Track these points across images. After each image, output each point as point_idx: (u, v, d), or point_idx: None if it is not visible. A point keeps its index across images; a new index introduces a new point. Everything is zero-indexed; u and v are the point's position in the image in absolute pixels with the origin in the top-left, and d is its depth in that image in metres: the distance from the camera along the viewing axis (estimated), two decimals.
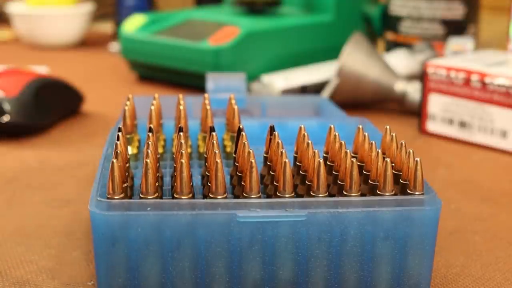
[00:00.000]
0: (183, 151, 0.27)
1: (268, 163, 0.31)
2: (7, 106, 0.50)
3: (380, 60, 0.58)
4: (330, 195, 0.28)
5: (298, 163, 0.31)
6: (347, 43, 0.58)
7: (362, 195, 0.28)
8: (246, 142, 0.29)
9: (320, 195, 0.28)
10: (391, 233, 0.27)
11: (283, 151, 0.28)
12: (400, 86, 0.57)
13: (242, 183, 0.28)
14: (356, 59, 0.57)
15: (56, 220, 0.37)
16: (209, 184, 0.28)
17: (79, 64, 0.79)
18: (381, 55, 0.60)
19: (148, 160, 0.27)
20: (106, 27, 1.00)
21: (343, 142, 0.30)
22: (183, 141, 0.29)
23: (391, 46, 0.71)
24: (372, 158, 0.29)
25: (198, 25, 0.67)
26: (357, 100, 0.58)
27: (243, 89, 0.48)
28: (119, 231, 0.26)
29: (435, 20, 0.67)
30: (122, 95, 0.59)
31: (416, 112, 0.55)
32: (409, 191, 0.28)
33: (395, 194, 0.28)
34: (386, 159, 0.28)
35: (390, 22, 0.71)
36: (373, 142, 0.30)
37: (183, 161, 0.27)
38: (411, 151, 0.28)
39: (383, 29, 0.73)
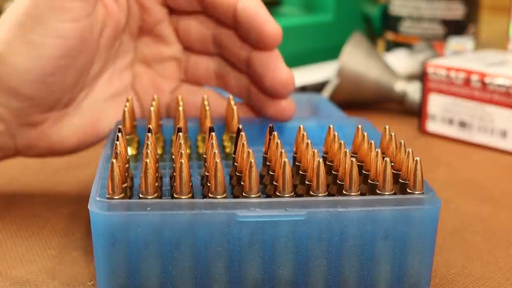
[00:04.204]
0: (183, 151, 0.27)
1: (268, 163, 0.31)
2: None
3: (380, 60, 0.58)
4: (330, 195, 0.28)
5: (297, 163, 0.31)
6: (347, 43, 0.58)
7: (362, 194, 0.28)
8: (245, 142, 0.29)
9: (320, 195, 0.28)
10: (390, 232, 0.27)
11: (283, 151, 0.28)
12: (400, 86, 0.57)
13: (242, 183, 0.28)
14: (356, 59, 0.57)
15: (56, 220, 0.37)
16: (209, 184, 0.28)
17: None
18: (381, 55, 0.60)
19: (147, 160, 0.27)
20: None
21: (342, 142, 0.30)
22: (182, 142, 0.29)
23: (391, 46, 0.71)
24: (372, 157, 0.29)
25: None
26: (357, 100, 0.58)
27: None
28: (119, 231, 0.26)
29: (435, 20, 0.67)
30: None
31: (416, 112, 0.55)
32: (408, 191, 0.28)
33: (394, 194, 0.28)
34: (385, 158, 0.28)
35: (390, 22, 0.71)
36: (373, 141, 0.30)
37: (182, 161, 0.27)
38: (410, 150, 0.28)
39: (383, 29, 0.73)
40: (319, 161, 0.27)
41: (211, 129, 0.31)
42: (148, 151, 0.28)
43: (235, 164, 0.30)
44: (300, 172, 0.30)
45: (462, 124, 0.51)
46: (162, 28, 0.38)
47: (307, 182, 0.29)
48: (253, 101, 0.38)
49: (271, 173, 0.30)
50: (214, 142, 0.29)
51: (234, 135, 0.35)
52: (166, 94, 0.38)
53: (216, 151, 0.28)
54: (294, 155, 0.32)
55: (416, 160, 0.28)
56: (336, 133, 0.31)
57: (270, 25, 0.35)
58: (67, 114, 0.36)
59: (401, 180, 0.29)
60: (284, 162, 0.27)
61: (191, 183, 0.28)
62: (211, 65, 0.38)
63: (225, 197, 0.27)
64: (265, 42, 0.35)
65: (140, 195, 0.27)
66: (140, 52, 0.38)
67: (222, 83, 0.39)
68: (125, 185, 0.28)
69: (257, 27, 0.35)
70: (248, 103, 0.38)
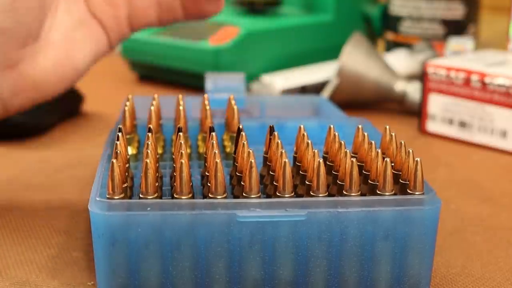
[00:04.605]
0: (183, 151, 0.27)
1: (268, 163, 0.31)
2: None
3: (380, 60, 0.58)
4: (330, 195, 0.28)
5: (297, 163, 0.31)
6: (347, 43, 0.58)
7: (362, 195, 0.28)
8: (245, 142, 0.29)
9: (320, 195, 0.28)
10: (391, 232, 0.27)
11: (283, 151, 0.28)
12: (400, 86, 0.57)
13: (242, 183, 0.28)
14: (356, 59, 0.57)
15: (56, 220, 0.37)
16: (209, 184, 0.28)
17: None
18: (381, 55, 0.60)
19: (147, 160, 0.27)
20: None
21: (342, 142, 0.30)
22: (182, 141, 0.29)
23: (391, 46, 0.71)
24: (372, 158, 0.29)
25: (198, 25, 0.67)
26: (357, 100, 0.58)
27: (242, 89, 0.48)
28: (119, 231, 0.26)
29: (435, 20, 0.67)
30: (122, 95, 0.58)
31: (416, 112, 0.55)
32: (409, 191, 0.28)
33: (395, 194, 0.28)
34: (385, 158, 0.28)
35: (390, 22, 0.71)
36: (373, 141, 0.30)
37: (183, 161, 0.27)
38: (410, 150, 0.28)
39: (383, 29, 0.73)
40: (319, 161, 0.27)
41: (212, 129, 0.31)
42: (149, 151, 0.28)
43: (236, 164, 0.30)
44: (301, 172, 0.30)
45: (462, 124, 0.51)
46: None
47: (307, 182, 0.29)
48: None
49: (271, 173, 0.30)
50: (214, 142, 0.29)
51: (235, 134, 0.35)
52: (121, 6, 0.38)
53: (216, 151, 0.28)
54: (295, 155, 0.32)
55: (417, 161, 0.28)
56: (336, 133, 0.31)
57: None
58: (40, 48, 0.36)
59: (401, 181, 0.29)
60: (285, 162, 0.27)
61: (191, 183, 0.28)
62: None
63: (225, 197, 0.27)
64: None
65: (140, 195, 0.27)
66: None
67: None
68: (125, 185, 0.28)
69: None
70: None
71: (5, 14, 0.34)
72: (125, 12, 0.39)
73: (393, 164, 0.29)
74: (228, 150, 0.35)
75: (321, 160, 0.28)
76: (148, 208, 0.26)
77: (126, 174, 0.29)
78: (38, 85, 0.37)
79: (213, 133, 0.30)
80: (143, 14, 0.39)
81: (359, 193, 0.28)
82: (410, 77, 0.61)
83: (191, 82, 0.65)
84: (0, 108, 0.36)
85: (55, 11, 0.37)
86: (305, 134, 0.31)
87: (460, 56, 0.57)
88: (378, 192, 0.28)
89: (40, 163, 0.45)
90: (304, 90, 0.58)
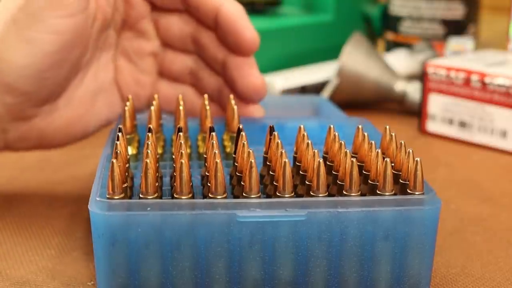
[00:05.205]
0: (183, 151, 0.27)
1: (268, 163, 0.31)
2: None
3: (380, 60, 0.58)
4: (330, 195, 0.28)
5: (297, 163, 0.31)
6: (347, 43, 0.58)
7: (362, 195, 0.28)
8: (245, 142, 0.29)
9: (320, 195, 0.28)
10: (391, 232, 0.27)
11: (283, 151, 0.28)
12: (400, 86, 0.57)
13: (242, 183, 0.28)
14: (356, 59, 0.57)
15: (56, 220, 0.37)
16: (209, 184, 0.28)
17: None
18: (381, 55, 0.60)
19: (147, 160, 0.27)
20: None
21: (342, 142, 0.30)
22: (182, 141, 0.29)
23: (391, 46, 0.71)
24: (372, 158, 0.29)
25: None
26: (357, 100, 0.58)
27: None
28: (119, 231, 0.26)
29: (435, 20, 0.67)
30: None
31: (416, 112, 0.55)
32: (409, 191, 0.28)
33: (395, 194, 0.28)
34: (385, 159, 0.28)
35: (390, 22, 0.71)
36: (373, 142, 0.30)
37: (183, 161, 0.27)
38: (410, 150, 0.28)
39: (383, 29, 0.73)
40: (319, 161, 0.27)
41: (212, 129, 0.31)
42: (149, 151, 0.28)
43: (236, 164, 0.30)
44: (301, 172, 0.30)
45: (462, 124, 0.51)
46: (144, 23, 0.38)
47: (307, 182, 0.29)
48: (223, 102, 0.38)
49: (271, 173, 0.30)
50: (214, 142, 0.29)
51: (235, 135, 0.34)
52: (146, 88, 0.39)
53: (216, 151, 0.28)
54: (295, 155, 0.32)
55: (417, 161, 0.28)
56: (336, 133, 0.31)
57: (249, 32, 0.36)
58: (58, 107, 0.37)
59: (401, 181, 0.29)
60: (285, 162, 0.27)
61: (191, 183, 0.28)
62: (187, 63, 0.39)
63: (225, 197, 0.27)
64: (242, 47, 0.36)
65: (140, 195, 0.27)
66: (121, 46, 0.39)
67: (195, 81, 0.39)
68: (125, 185, 0.28)
69: (236, 31, 0.36)
70: (218, 103, 0.39)
71: (31, 79, 0.34)
72: (148, 93, 0.39)
73: (393, 164, 0.29)
74: (228, 150, 0.35)
75: (321, 160, 0.28)
76: (148, 208, 0.26)
77: (126, 174, 0.29)
78: (45, 138, 0.37)
79: (213, 133, 0.30)
80: (165, 100, 0.39)
81: (359, 193, 0.28)
82: (410, 77, 0.61)
83: None
84: (2, 146, 0.36)
85: (83, 75, 0.37)
86: (305, 134, 0.31)
87: (460, 56, 0.57)
88: (378, 192, 0.28)
89: (40, 163, 0.45)
90: (304, 90, 0.58)
